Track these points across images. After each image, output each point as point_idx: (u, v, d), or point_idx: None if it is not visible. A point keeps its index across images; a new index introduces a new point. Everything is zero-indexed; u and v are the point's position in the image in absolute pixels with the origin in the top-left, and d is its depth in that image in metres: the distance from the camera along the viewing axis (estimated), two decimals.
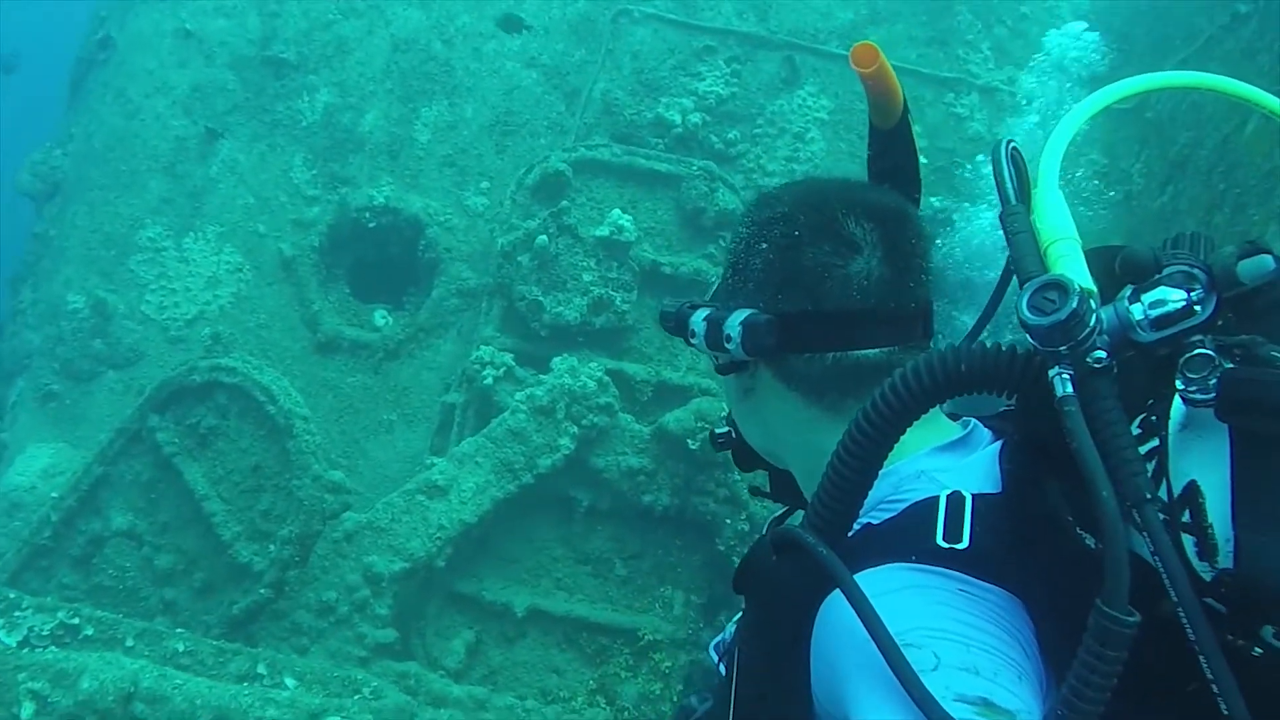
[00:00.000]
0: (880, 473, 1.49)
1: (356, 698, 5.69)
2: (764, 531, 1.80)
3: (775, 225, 1.71)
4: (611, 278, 7.57)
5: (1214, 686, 1.21)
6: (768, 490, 2.00)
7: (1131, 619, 1.20)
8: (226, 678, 5.93)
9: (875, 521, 1.56)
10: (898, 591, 1.39)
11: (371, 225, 7.97)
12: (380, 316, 7.95)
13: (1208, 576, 1.27)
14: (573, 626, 7.44)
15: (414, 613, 7.23)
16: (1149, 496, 1.27)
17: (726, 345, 1.70)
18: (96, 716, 5.09)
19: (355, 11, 8.26)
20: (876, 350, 1.66)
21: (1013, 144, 1.70)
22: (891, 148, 1.99)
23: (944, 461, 1.64)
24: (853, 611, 1.32)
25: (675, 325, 1.84)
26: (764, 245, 1.72)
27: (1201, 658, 1.23)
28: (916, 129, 7.31)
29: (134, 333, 7.90)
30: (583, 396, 7.17)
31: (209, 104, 8.14)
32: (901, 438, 1.46)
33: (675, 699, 7.26)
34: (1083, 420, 1.30)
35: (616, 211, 7.59)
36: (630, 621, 7.42)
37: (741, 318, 1.68)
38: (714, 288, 1.89)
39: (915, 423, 1.45)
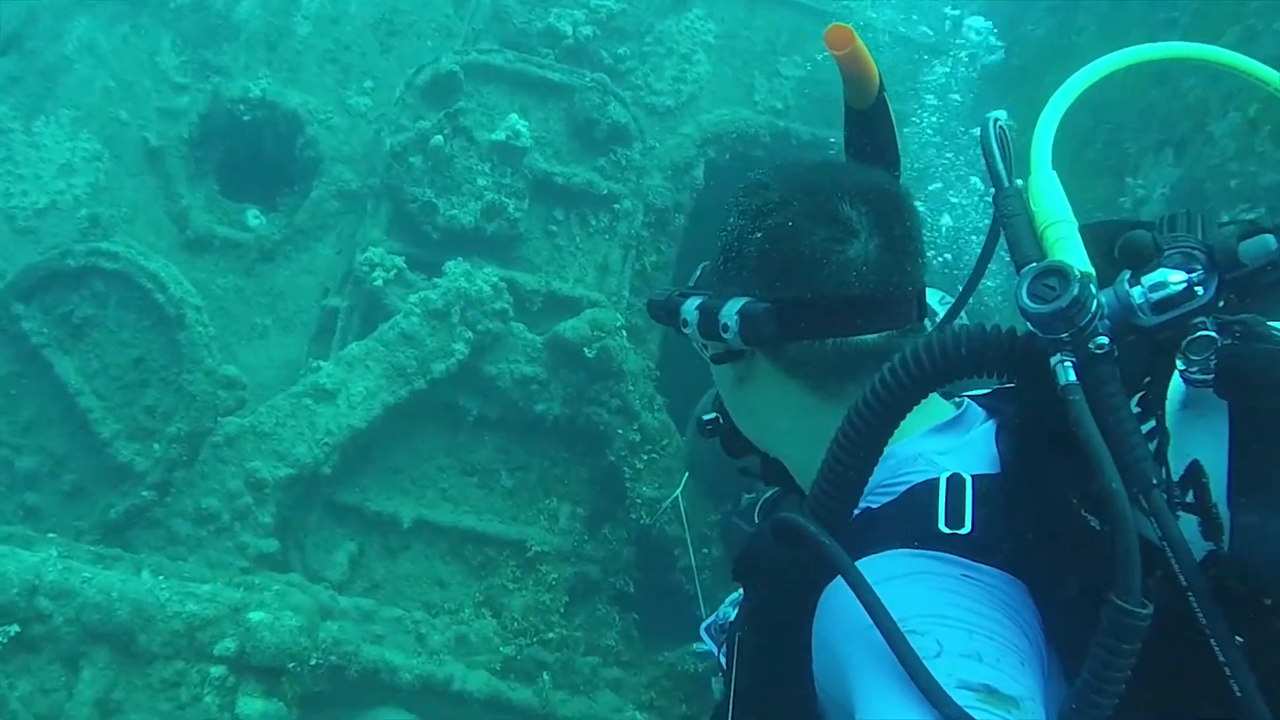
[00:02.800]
0: None
1: (265, 595, 5.40)
2: (756, 516, 1.84)
3: (769, 213, 1.69)
4: (505, 184, 7.42)
5: (1226, 669, 1.22)
6: (757, 473, 1.98)
7: (1145, 610, 1.21)
8: None
9: (875, 506, 1.56)
10: (901, 578, 1.39)
11: (246, 119, 7.51)
12: (253, 216, 7.52)
13: (1198, 557, 1.28)
14: (458, 538, 7.31)
15: (294, 524, 6.92)
16: (1155, 482, 1.27)
17: (723, 334, 1.68)
18: None
19: None
20: (875, 335, 1.65)
21: (1000, 122, 1.72)
22: (869, 128, 1.96)
23: (941, 442, 1.64)
24: (855, 598, 1.32)
25: (665, 313, 1.82)
26: (758, 234, 1.69)
27: (1213, 640, 1.24)
28: (797, 58, 7.44)
29: None
30: (478, 301, 7.02)
31: None
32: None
33: (562, 610, 7.24)
34: (1088, 409, 1.30)
35: (513, 116, 7.43)
36: (516, 533, 7.34)
37: (738, 306, 1.65)
38: (698, 274, 1.88)
39: None
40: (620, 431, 7.26)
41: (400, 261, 7.18)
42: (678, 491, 7.21)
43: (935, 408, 1.72)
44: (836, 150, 8.05)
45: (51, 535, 5.79)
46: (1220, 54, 1.81)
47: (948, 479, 1.50)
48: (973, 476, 1.50)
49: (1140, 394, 1.42)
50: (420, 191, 7.26)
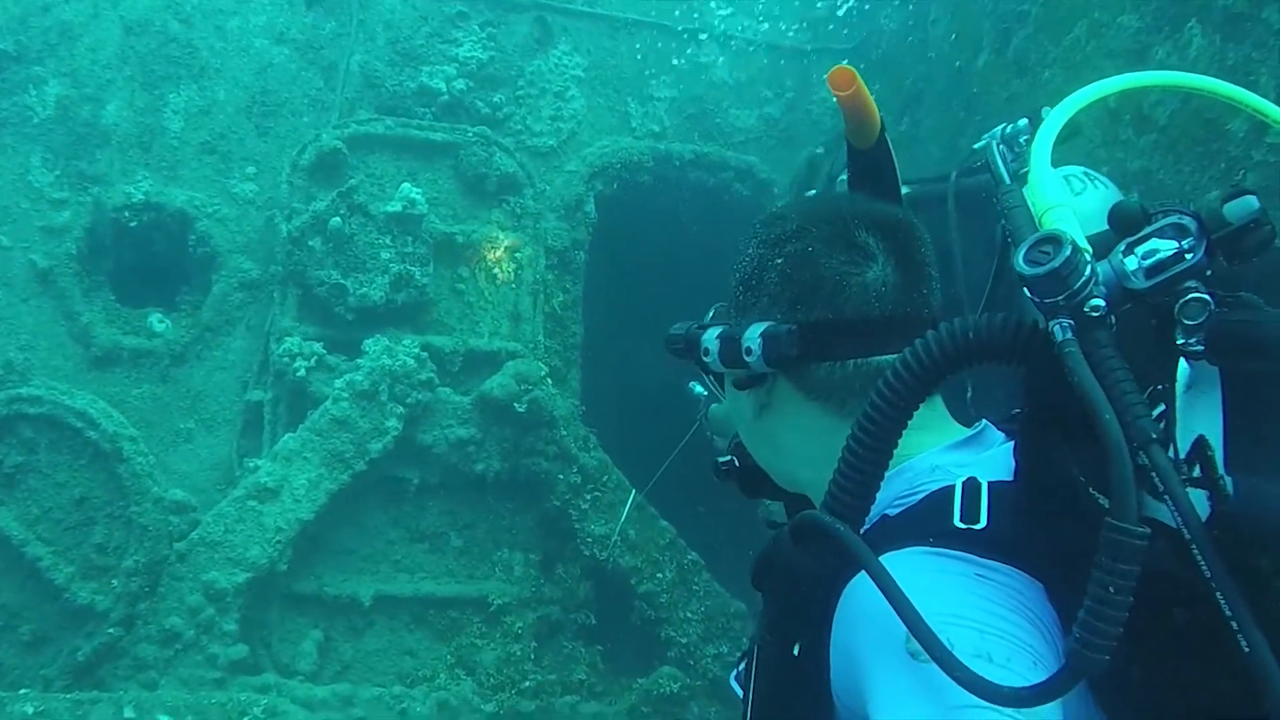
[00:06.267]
0: (894, 470, 1.53)
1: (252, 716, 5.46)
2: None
3: (789, 240, 1.75)
4: (408, 252, 7.46)
5: (1233, 624, 1.23)
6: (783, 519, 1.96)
7: (1142, 530, 1.21)
8: None
9: (892, 514, 1.60)
10: (914, 574, 1.39)
11: (133, 225, 7.37)
12: (157, 320, 7.41)
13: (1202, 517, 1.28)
14: (419, 606, 7.41)
15: (256, 623, 6.93)
16: (1154, 437, 1.28)
17: (746, 358, 1.72)
18: None
19: None
20: (895, 355, 1.63)
21: (997, 140, 1.87)
22: (872, 167, 2.04)
23: (958, 457, 1.68)
24: (873, 596, 1.34)
25: (685, 346, 1.85)
26: (779, 260, 1.75)
27: (1218, 594, 1.24)
28: (666, 79, 7.64)
29: None
30: (404, 375, 7.10)
31: None
32: (913, 434, 1.50)
33: (532, 657, 7.41)
34: (1083, 358, 1.34)
35: (406, 185, 7.46)
36: (475, 590, 7.48)
37: (761, 329, 1.70)
38: (714, 310, 1.92)
39: (925, 423, 1.51)
40: (560, 476, 7.44)
41: (319, 348, 7.18)
42: (621, 521, 7.44)
43: (951, 428, 1.77)
44: (718, 161, 8.29)
45: (24, 691, 5.72)
46: (1232, 90, 1.92)
47: (964, 482, 1.55)
48: (989, 481, 1.54)
49: (1150, 387, 1.44)
50: (326, 274, 7.26)
